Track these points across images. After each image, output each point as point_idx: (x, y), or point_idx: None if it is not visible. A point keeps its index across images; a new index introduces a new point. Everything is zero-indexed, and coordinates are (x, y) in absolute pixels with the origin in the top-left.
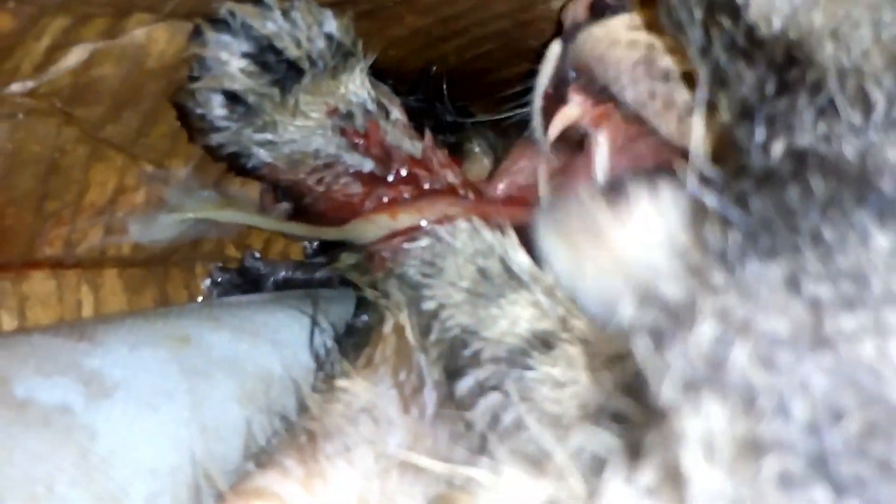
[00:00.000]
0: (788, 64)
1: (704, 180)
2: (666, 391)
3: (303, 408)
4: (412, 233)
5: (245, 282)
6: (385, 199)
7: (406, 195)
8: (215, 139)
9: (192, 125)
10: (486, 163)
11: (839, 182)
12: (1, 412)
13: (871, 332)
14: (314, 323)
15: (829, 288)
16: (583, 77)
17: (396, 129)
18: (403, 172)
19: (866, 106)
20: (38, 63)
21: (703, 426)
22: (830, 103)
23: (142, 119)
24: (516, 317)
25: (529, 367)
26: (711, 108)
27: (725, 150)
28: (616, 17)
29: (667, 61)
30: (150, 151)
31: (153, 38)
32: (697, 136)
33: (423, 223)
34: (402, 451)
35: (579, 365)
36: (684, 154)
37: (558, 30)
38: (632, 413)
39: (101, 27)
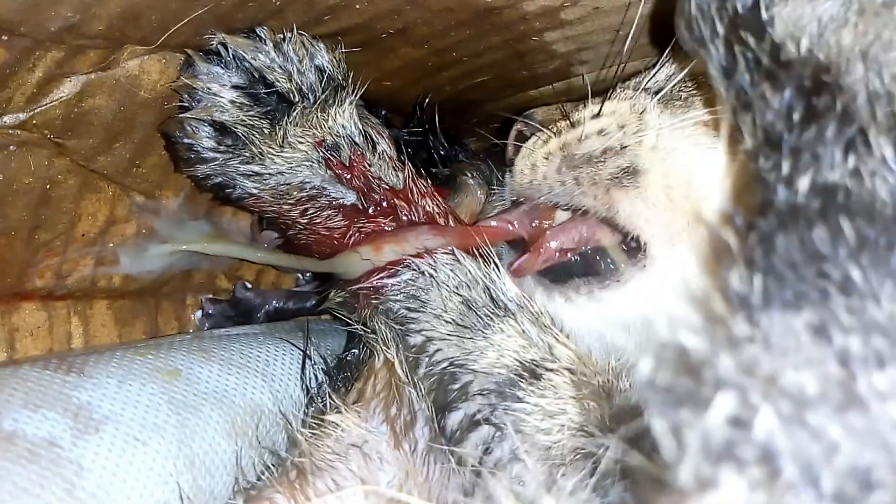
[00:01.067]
0: (817, 88)
1: (726, 217)
2: (683, 471)
3: (293, 442)
4: (393, 267)
5: (237, 313)
6: (364, 232)
7: (386, 227)
8: (201, 170)
9: (180, 155)
10: (480, 194)
11: (871, 223)
12: None
13: None
14: (305, 356)
15: (860, 340)
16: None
17: (382, 161)
18: (384, 204)
19: None
20: (30, 95)
21: (720, 502)
22: (861, 134)
23: (133, 150)
24: (503, 347)
25: (518, 399)
26: (734, 136)
27: (748, 184)
28: (529, 143)
29: (588, 144)
30: (142, 182)
31: (145, 69)
32: (721, 168)
33: (405, 257)
34: (392, 490)
35: (566, 394)
36: (612, 224)
37: None
38: (642, 471)
39: (93, 59)
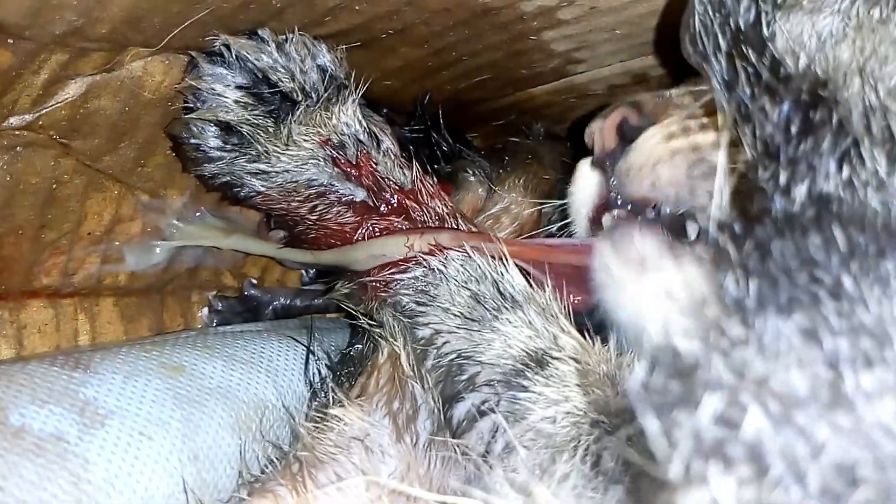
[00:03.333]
0: (814, 102)
1: (724, 226)
2: (674, 469)
3: (295, 436)
4: (404, 264)
5: (245, 310)
6: (377, 229)
7: (397, 225)
8: (209, 169)
9: (186, 155)
10: (482, 192)
11: (862, 231)
12: None
13: (892, 390)
14: (309, 352)
15: (849, 343)
16: (634, 206)
17: (387, 159)
18: (394, 203)
19: (893, 151)
20: (36, 97)
21: (709, 497)
22: (855, 146)
23: (138, 150)
24: (510, 337)
25: (524, 388)
26: (735, 147)
27: (747, 192)
28: (647, 135)
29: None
30: (147, 181)
31: (149, 71)
32: (720, 178)
33: (415, 254)
34: (393, 481)
35: (572, 382)
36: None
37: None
38: (638, 467)
39: (98, 61)
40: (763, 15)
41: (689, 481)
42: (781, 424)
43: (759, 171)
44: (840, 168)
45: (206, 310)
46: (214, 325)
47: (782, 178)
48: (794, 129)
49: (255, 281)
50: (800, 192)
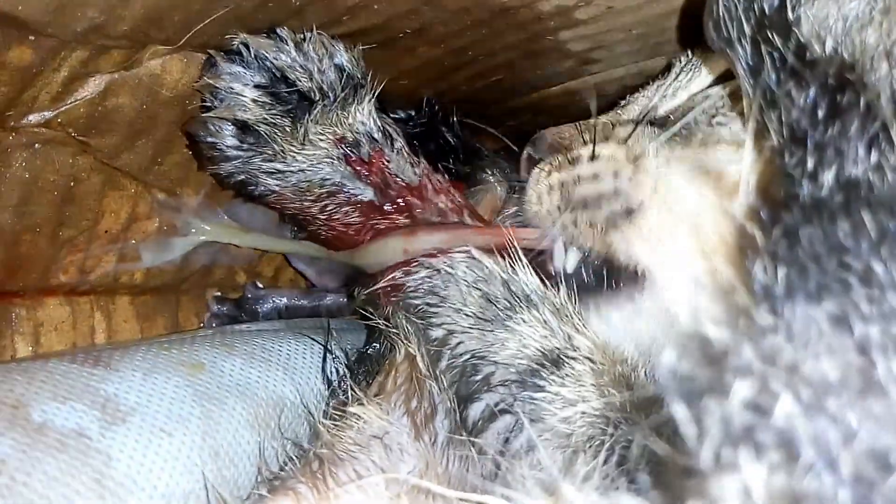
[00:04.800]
0: (841, 86)
1: (752, 212)
2: (704, 456)
3: (315, 434)
4: (408, 266)
5: (242, 312)
6: (377, 229)
7: (400, 223)
8: (225, 168)
9: (203, 153)
10: (500, 192)
11: (892, 216)
12: (19, 436)
13: None
14: (326, 350)
15: (880, 329)
16: None
17: (400, 156)
18: (399, 200)
19: None
20: (55, 94)
21: (740, 484)
22: (884, 130)
23: (155, 148)
24: (526, 336)
25: (540, 388)
26: (760, 133)
27: (774, 179)
28: (533, 174)
29: (583, 189)
30: (163, 179)
31: (168, 69)
32: (746, 164)
33: (415, 256)
34: (412, 478)
35: (588, 382)
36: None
37: None
38: (666, 457)
39: (117, 59)
40: None
41: (720, 468)
42: (813, 411)
43: (786, 156)
44: (868, 152)
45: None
46: (213, 327)
47: (810, 164)
48: (820, 114)
49: (259, 284)
50: (828, 177)
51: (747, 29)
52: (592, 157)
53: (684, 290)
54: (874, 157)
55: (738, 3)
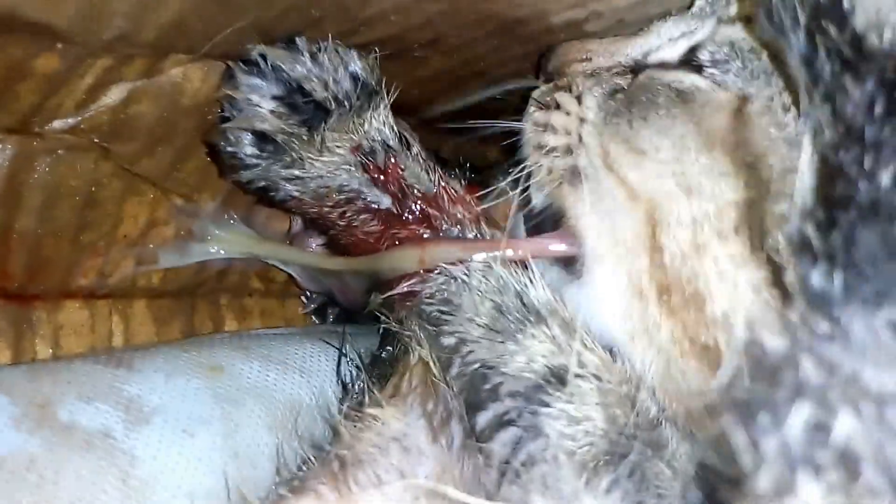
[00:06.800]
0: None
1: (807, 214)
2: (762, 481)
3: (335, 434)
4: (421, 275)
5: None
6: (399, 238)
7: (420, 234)
8: (245, 175)
9: (224, 162)
10: (513, 197)
11: None
12: (46, 434)
13: None
14: (341, 353)
15: None
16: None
17: (416, 163)
18: (416, 210)
19: None
20: (79, 101)
21: None
22: None
23: (175, 154)
24: (533, 352)
25: (545, 404)
26: (815, 129)
27: (829, 178)
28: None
29: (546, 137)
30: (181, 186)
31: (188, 77)
32: (804, 162)
33: (433, 265)
34: (431, 482)
35: (592, 401)
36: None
37: None
38: (721, 472)
39: (140, 67)
40: None
41: (778, 490)
42: (873, 426)
43: (841, 153)
44: None
45: None
46: None
47: (867, 162)
48: (878, 110)
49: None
50: (886, 176)
51: (801, 17)
52: (557, 107)
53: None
54: None
55: None
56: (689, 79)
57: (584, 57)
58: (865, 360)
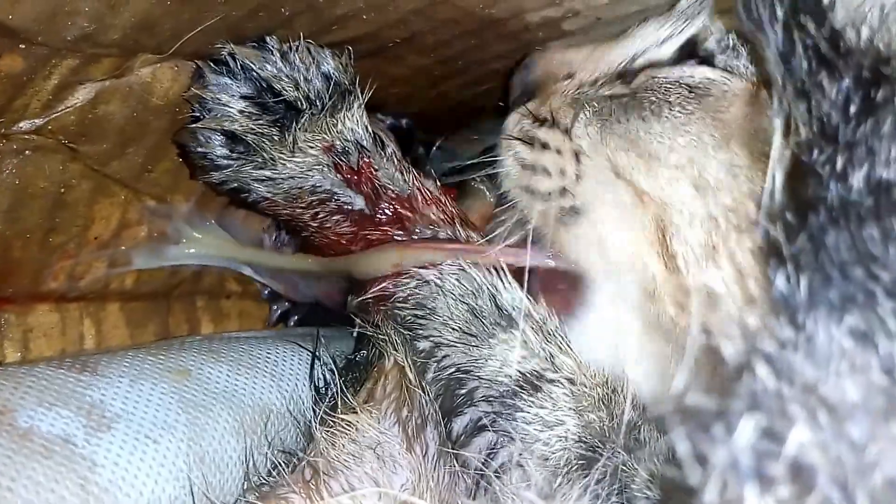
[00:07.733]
0: (876, 80)
1: (775, 215)
2: (708, 495)
3: (306, 441)
4: (395, 278)
5: None
6: (370, 239)
7: (391, 235)
8: (216, 177)
9: (194, 163)
10: (491, 198)
11: None
12: (4, 441)
13: None
14: (314, 357)
15: None
16: None
17: (390, 163)
18: (389, 212)
19: None
20: (46, 101)
21: None
22: None
23: (146, 155)
24: (505, 357)
25: (519, 409)
26: (787, 127)
27: (800, 178)
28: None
29: (535, 181)
30: (154, 187)
31: (158, 77)
32: (773, 162)
33: (406, 268)
34: (405, 493)
35: (565, 406)
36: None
37: None
38: (675, 482)
39: (107, 67)
40: None
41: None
42: (829, 437)
43: (815, 153)
44: None
45: None
46: None
47: (839, 162)
48: (853, 109)
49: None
50: (858, 177)
51: (779, 12)
52: (545, 146)
53: (630, 302)
54: None
55: None
56: (698, 72)
57: (566, 73)
58: (828, 368)
